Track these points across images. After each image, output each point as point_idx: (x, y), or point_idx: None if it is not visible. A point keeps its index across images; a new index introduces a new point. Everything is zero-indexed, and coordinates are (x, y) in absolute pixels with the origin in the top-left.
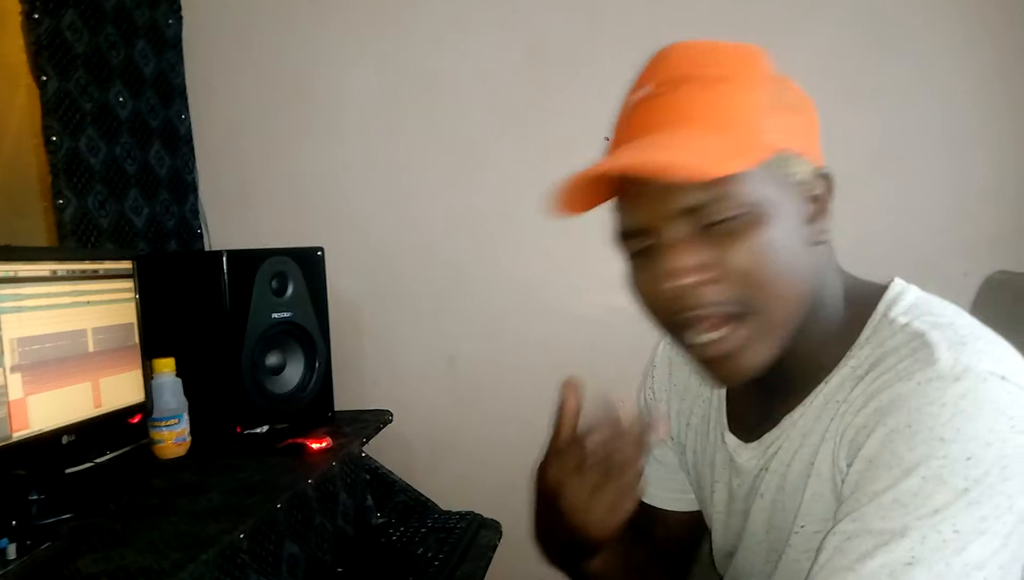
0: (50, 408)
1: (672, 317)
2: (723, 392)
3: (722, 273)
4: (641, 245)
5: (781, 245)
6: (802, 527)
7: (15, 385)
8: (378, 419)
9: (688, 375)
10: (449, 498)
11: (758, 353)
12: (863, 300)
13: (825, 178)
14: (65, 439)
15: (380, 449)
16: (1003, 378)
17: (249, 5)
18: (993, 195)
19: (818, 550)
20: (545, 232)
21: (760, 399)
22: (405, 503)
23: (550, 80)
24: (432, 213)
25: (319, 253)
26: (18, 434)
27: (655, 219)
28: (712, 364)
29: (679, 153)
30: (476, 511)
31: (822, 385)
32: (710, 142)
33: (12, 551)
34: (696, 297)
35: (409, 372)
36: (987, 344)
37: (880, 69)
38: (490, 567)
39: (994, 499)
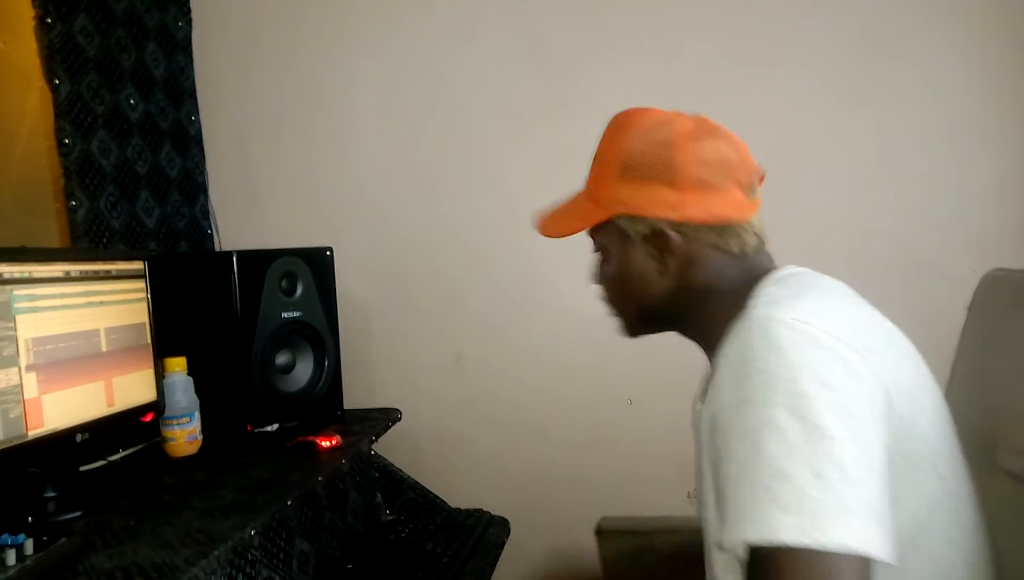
0: (64, 407)
1: None
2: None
3: (600, 279)
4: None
5: (616, 273)
6: (705, 476)
7: (30, 384)
8: (387, 418)
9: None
10: (458, 496)
11: (623, 329)
12: (759, 277)
13: (659, 235)
14: (79, 437)
15: (389, 447)
16: (804, 322)
17: (258, 8)
18: (998, 192)
19: (717, 496)
20: None
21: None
22: (414, 500)
23: (555, 82)
24: (440, 214)
25: (328, 253)
26: (33, 432)
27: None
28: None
29: (556, 221)
30: (484, 508)
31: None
32: (575, 210)
33: (29, 546)
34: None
35: (417, 371)
36: (799, 301)
37: (882, 70)
38: (498, 564)
39: (824, 406)
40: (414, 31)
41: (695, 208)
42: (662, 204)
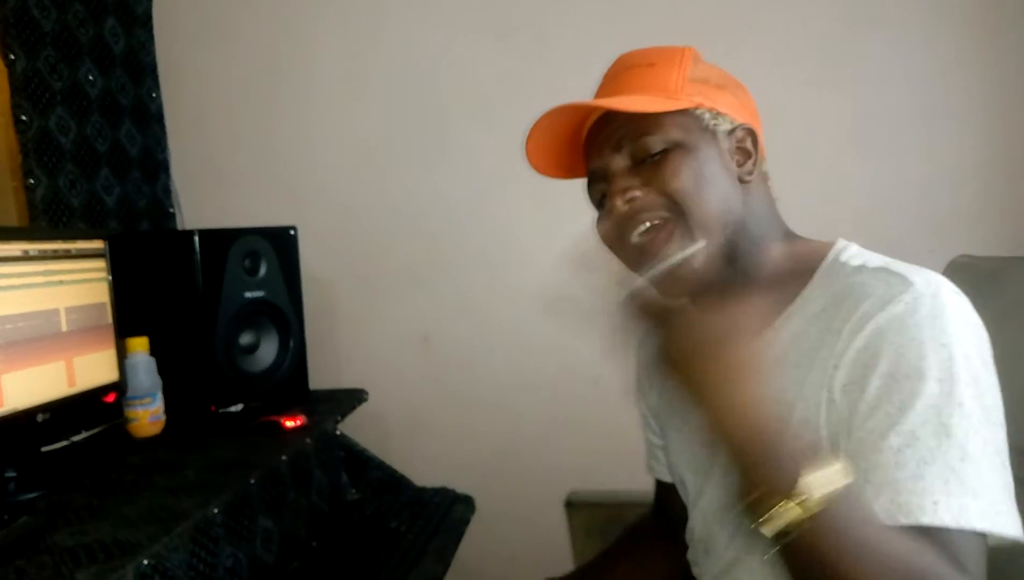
0: (24, 387)
1: (620, 230)
2: None
3: (651, 189)
4: (601, 191)
5: (701, 169)
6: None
7: None
8: (353, 398)
9: None
10: (423, 475)
11: (694, 268)
12: (810, 250)
13: (748, 132)
14: (40, 417)
15: (355, 427)
16: (958, 293)
17: None
18: (961, 175)
19: (863, 471)
20: (518, 213)
21: None
22: (380, 479)
23: (520, 59)
24: (405, 193)
25: (292, 232)
26: None
27: (607, 163)
28: (656, 271)
29: (619, 101)
30: (450, 487)
31: (783, 318)
32: (641, 97)
33: None
34: (634, 209)
35: (384, 351)
36: (931, 272)
37: (851, 52)
38: (463, 541)
39: (990, 390)
40: (378, 7)
41: (758, 130)
42: (741, 109)
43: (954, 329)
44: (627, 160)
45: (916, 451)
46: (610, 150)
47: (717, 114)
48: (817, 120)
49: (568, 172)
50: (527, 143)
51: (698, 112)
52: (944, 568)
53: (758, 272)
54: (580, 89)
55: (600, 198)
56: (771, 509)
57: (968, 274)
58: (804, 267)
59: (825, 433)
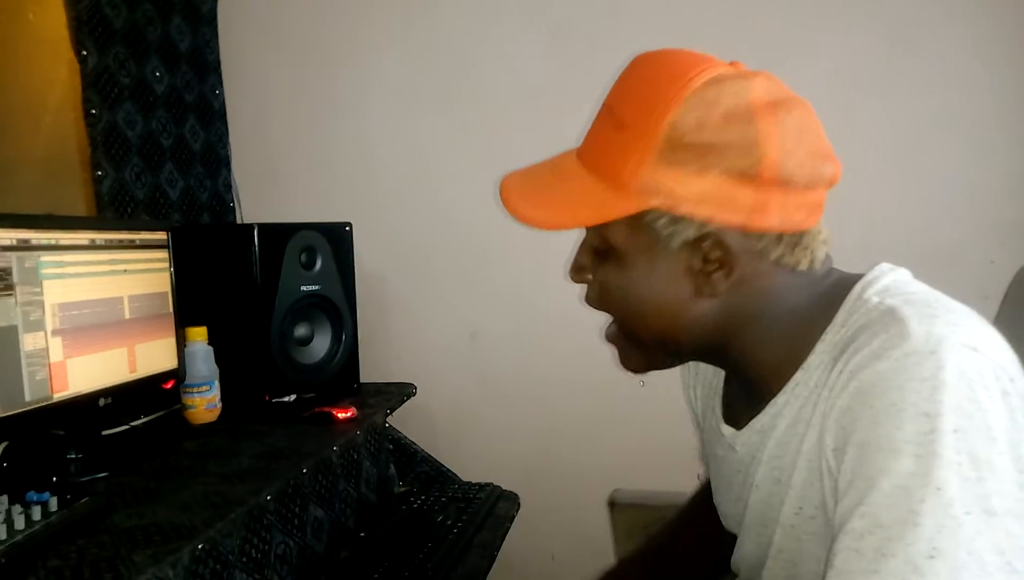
0: (88, 371)
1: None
2: (721, 382)
3: (595, 290)
4: None
5: (644, 288)
6: (800, 509)
7: (56, 348)
8: (402, 392)
9: (709, 369)
10: (469, 470)
11: (632, 355)
12: (840, 289)
13: (720, 243)
14: (102, 402)
15: (403, 421)
16: (974, 349)
17: None
18: (1014, 183)
19: (831, 553)
20: None
21: (743, 389)
22: (427, 473)
23: (571, 61)
24: (457, 192)
25: (347, 228)
26: (58, 395)
27: None
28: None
29: (543, 204)
30: (495, 482)
31: (800, 372)
32: (584, 189)
33: (53, 504)
34: (586, 293)
35: (432, 347)
36: (958, 317)
37: (899, 59)
38: (507, 537)
39: (991, 472)
40: (435, 10)
41: (774, 213)
42: (729, 204)
43: (948, 397)
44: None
45: (877, 539)
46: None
47: (678, 219)
48: (866, 128)
49: None
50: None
51: (649, 217)
52: None
53: (771, 345)
54: None
55: None
56: None
57: None
58: (825, 314)
59: (827, 496)
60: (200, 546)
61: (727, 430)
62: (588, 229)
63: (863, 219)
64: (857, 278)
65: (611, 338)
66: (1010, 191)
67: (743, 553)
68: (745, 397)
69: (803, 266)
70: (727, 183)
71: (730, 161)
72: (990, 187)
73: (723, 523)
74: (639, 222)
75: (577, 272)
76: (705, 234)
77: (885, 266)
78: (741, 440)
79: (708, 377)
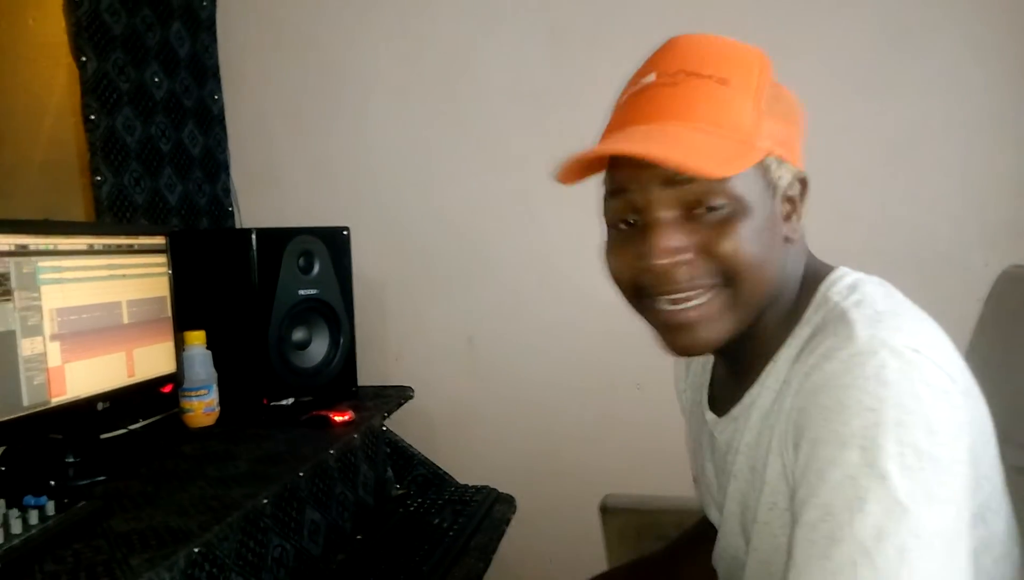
0: (86, 376)
1: (646, 284)
2: (709, 375)
3: (703, 255)
4: (630, 219)
5: (758, 236)
6: (774, 504)
7: (54, 353)
8: (400, 395)
9: (700, 367)
10: (466, 473)
11: (718, 326)
12: (813, 284)
13: (802, 182)
14: (100, 406)
15: (401, 424)
16: (916, 350)
17: None
18: (1013, 186)
19: (790, 544)
20: (565, 216)
21: (730, 378)
22: (424, 476)
23: (570, 64)
24: (455, 196)
25: (345, 233)
26: (56, 399)
27: (649, 199)
28: (676, 330)
29: (686, 150)
30: (492, 485)
31: (771, 364)
32: (711, 142)
33: (51, 508)
34: (677, 276)
35: (430, 351)
36: (902, 321)
37: (898, 62)
38: (504, 540)
39: (932, 462)
40: (433, 14)
41: (799, 154)
42: (795, 146)
43: (890, 393)
44: (675, 207)
45: (828, 527)
46: (659, 184)
47: (782, 162)
48: (865, 130)
49: (582, 173)
50: (562, 170)
51: (767, 161)
52: None
53: (772, 320)
54: None
55: (621, 221)
56: None
57: (1020, 285)
58: (798, 309)
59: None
60: (196, 550)
61: (710, 416)
62: (701, 188)
63: (859, 221)
64: (825, 273)
65: (702, 310)
66: (1005, 193)
67: (723, 546)
68: (729, 385)
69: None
70: (796, 131)
71: (793, 113)
72: (985, 189)
73: (707, 515)
74: (759, 168)
75: (673, 252)
76: (798, 179)
77: (844, 269)
78: (720, 427)
79: (697, 375)
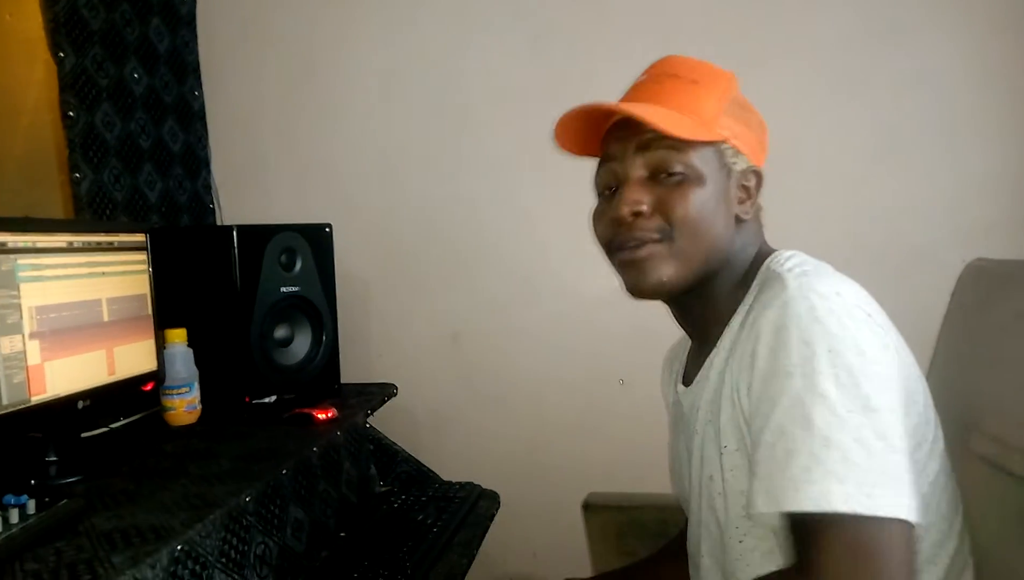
0: (66, 374)
1: (614, 237)
2: (684, 363)
3: (658, 210)
4: (610, 181)
5: (706, 203)
6: (725, 447)
7: (33, 351)
8: (383, 392)
9: (679, 364)
10: (450, 469)
11: (664, 269)
12: (760, 262)
13: (756, 174)
14: (80, 404)
15: (384, 421)
16: (838, 293)
17: None
18: (990, 184)
19: (752, 465)
20: (549, 214)
21: (697, 354)
22: (407, 473)
23: (552, 66)
24: (437, 193)
25: (327, 229)
26: (36, 398)
27: (625, 162)
28: (630, 271)
29: (658, 117)
30: (476, 482)
31: (726, 329)
32: (678, 116)
33: (31, 507)
34: (634, 227)
35: (414, 348)
36: (827, 277)
37: (877, 59)
38: (487, 535)
39: (864, 378)
40: (417, 11)
41: (761, 157)
42: (756, 150)
43: (819, 328)
44: (644, 169)
45: (784, 443)
46: (634, 150)
47: (737, 152)
48: (844, 129)
49: (582, 150)
50: (560, 121)
51: (723, 147)
52: (821, 558)
53: (723, 288)
54: (609, 94)
55: (606, 188)
56: None
57: (983, 278)
58: (747, 283)
59: (743, 433)
60: (179, 547)
61: (680, 388)
62: (665, 155)
63: (836, 217)
64: (769, 253)
65: (649, 251)
66: (982, 190)
67: (693, 525)
68: (696, 360)
69: (760, 217)
70: (756, 138)
71: (755, 122)
72: (962, 186)
73: (683, 507)
74: (716, 149)
75: (636, 202)
76: (749, 167)
77: (789, 250)
78: (686, 395)
79: (676, 372)
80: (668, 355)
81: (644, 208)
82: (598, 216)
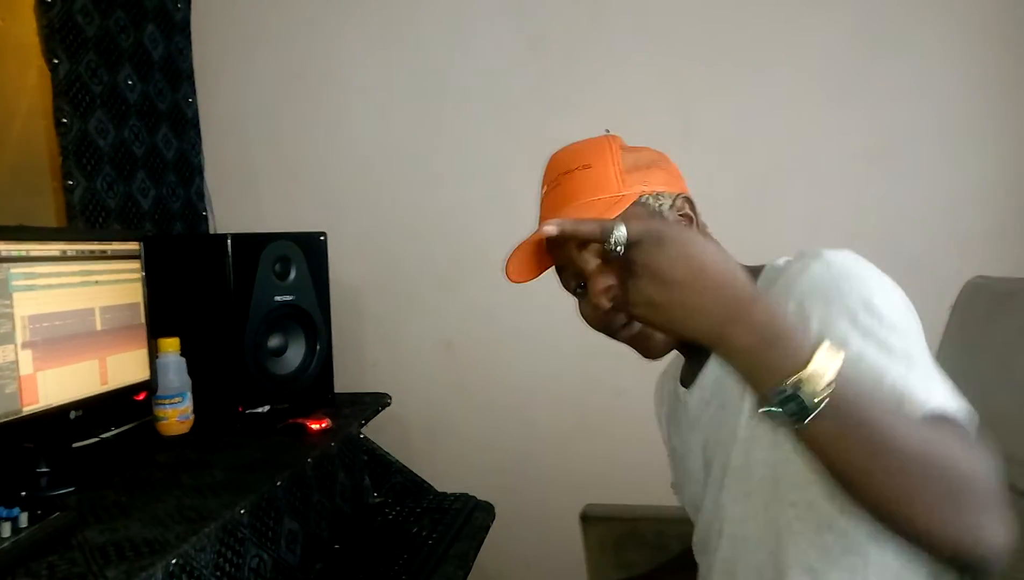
0: (59, 384)
1: (607, 326)
2: (678, 382)
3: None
4: (574, 281)
5: None
6: (750, 418)
7: (26, 361)
8: (377, 402)
9: (672, 385)
10: (444, 480)
11: (658, 342)
12: (755, 269)
13: (686, 200)
14: (73, 414)
15: (378, 431)
16: (863, 261)
17: None
18: (985, 193)
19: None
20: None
21: (696, 356)
22: (402, 484)
23: (550, 72)
24: (432, 202)
25: (322, 238)
26: (28, 408)
27: (576, 262)
28: (635, 346)
29: (572, 222)
30: (469, 492)
31: None
32: (589, 206)
33: (24, 519)
34: (612, 319)
35: (408, 357)
36: (834, 251)
37: (873, 68)
38: (483, 547)
39: (902, 326)
40: (413, 18)
41: (679, 184)
42: (671, 181)
43: (859, 282)
44: (595, 257)
45: (868, 367)
46: (576, 250)
47: (658, 195)
48: (840, 136)
49: (537, 272)
50: (508, 268)
51: (643, 200)
52: (967, 443)
53: None
54: (602, 100)
55: (576, 287)
56: (800, 383)
57: (983, 295)
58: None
59: None
60: (174, 561)
61: (682, 391)
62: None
63: (830, 226)
64: (758, 268)
65: (633, 334)
66: (976, 200)
67: (699, 530)
68: (697, 361)
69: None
70: (663, 172)
71: (652, 160)
72: (957, 196)
73: (690, 515)
74: (639, 206)
75: (604, 293)
76: (675, 197)
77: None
78: (690, 395)
79: (670, 393)
80: (659, 381)
81: (616, 289)
82: (585, 315)
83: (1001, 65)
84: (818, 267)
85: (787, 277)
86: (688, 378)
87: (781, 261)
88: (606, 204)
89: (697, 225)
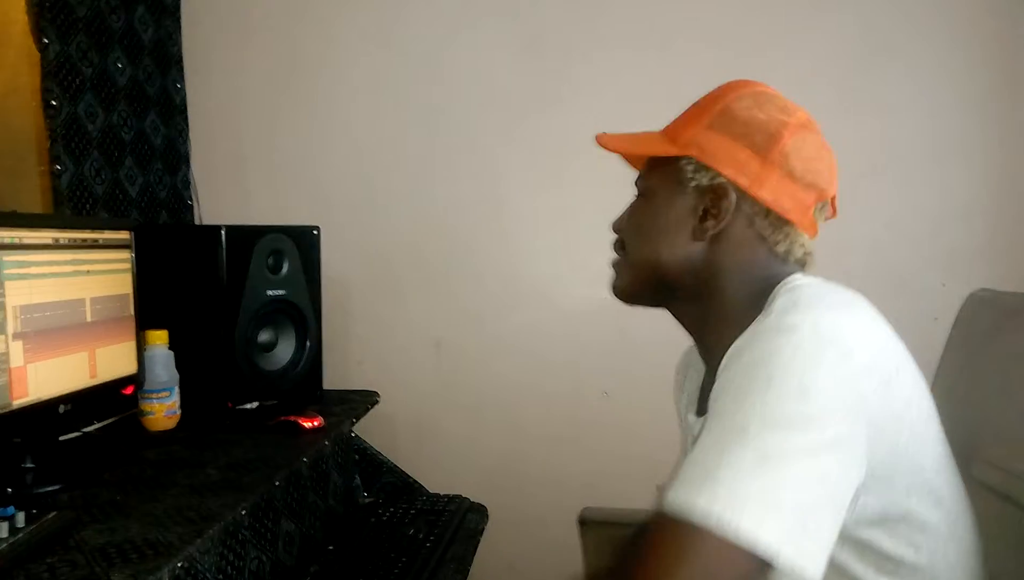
0: (49, 377)
1: None
2: (700, 384)
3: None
4: None
5: (649, 218)
6: None
7: (16, 353)
8: (366, 400)
9: (693, 385)
10: (432, 479)
11: (621, 278)
12: (771, 287)
13: (719, 189)
14: (62, 408)
15: (365, 429)
16: (814, 325)
17: None
18: (974, 209)
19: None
20: (534, 224)
21: (711, 382)
22: (392, 484)
23: (548, 73)
24: (424, 199)
25: (315, 232)
26: (18, 402)
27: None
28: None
29: (628, 141)
30: (458, 492)
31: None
32: (647, 140)
33: (20, 519)
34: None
35: (396, 355)
36: (814, 309)
37: (867, 82)
38: (477, 550)
39: (814, 418)
40: (409, 12)
41: (769, 189)
42: (739, 166)
43: (776, 359)
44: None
45: (704, 437)
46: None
47: (703, 168)
48: (837, 148)
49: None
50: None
51: (682, 162)
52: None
53: (726, 310)
54: (597, 102)
55: None
56: None
57: (987, 308)
58: (754, 313)
59: None
60: (180, 564)
61: (691, 418)
62: (641, 181)
63: (820, 241)
64: (785, 276)
65: (613, 260)
66: (964, 214)
67: None
68: (709, 389)
69: (781, 249)
70: (744, 151)
71: (754, 136)
72: (944, 210)
73: None
74: (675, 166)
75: (617, 221)
76: (715, 184)
77: (799, 275)
78: (697, 423)
79: (690, 393)
80: (680, 362)
81: (622, 222)
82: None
83: (990, 82)
84: (781, 341)
85: (764, 325)
86: (704, 406)
87: (782, 292)
88: (648, 144)
89: (721, 221)
